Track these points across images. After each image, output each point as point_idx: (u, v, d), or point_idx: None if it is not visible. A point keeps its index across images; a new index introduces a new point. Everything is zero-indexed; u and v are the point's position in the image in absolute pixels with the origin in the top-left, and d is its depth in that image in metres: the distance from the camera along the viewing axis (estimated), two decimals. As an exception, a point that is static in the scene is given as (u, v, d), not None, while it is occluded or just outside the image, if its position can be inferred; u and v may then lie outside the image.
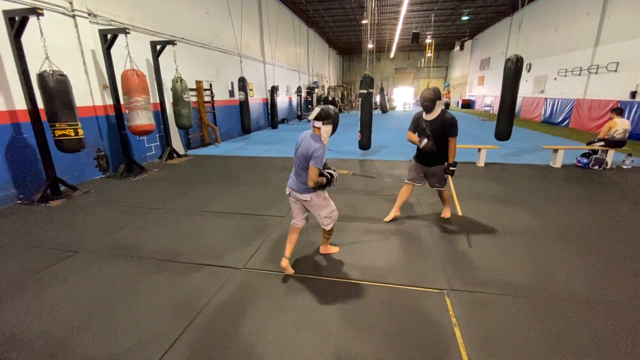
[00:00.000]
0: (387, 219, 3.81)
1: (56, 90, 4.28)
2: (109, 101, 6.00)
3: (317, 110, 2.48)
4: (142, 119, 5.68)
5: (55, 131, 4.39)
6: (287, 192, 2.74)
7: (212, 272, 2.80)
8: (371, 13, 16.57)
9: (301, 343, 2.00)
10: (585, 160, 6.28)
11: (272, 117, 13.67)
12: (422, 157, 3.54)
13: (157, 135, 7.48)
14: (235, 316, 2.24)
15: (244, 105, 10.25)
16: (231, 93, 11.12)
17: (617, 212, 4.05)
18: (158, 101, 7.11)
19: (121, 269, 2.88)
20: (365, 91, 7.02)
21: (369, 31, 15.49)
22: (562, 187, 5.09)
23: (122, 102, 5.84)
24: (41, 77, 4.22)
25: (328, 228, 2.83)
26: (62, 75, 4.35)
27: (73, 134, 4.48)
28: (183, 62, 7.74)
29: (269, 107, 14.25)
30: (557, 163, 6.34)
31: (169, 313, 2.28)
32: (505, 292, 2.48)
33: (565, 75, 13.17)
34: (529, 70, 16.68)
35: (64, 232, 3.67)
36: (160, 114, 7.20)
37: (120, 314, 2.29)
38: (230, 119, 10.97)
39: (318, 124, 2.50)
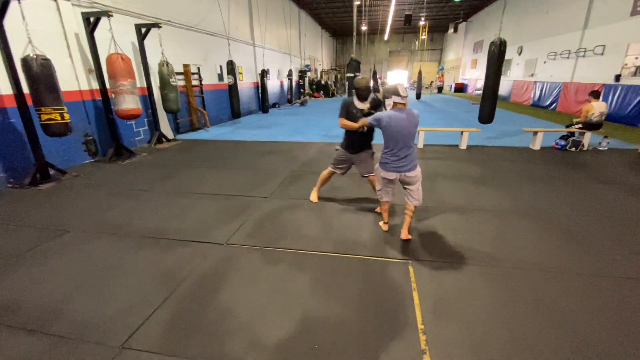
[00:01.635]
0: (313, 199, 4.00)
1: (40, 74, 4.32)
2: (95, 85, 6.01)
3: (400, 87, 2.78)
4: (129, 103, 5.73)
5: (42, 115, 4.46)
6: (393, 178, 2.89)
7: (196, 247, 2.99)
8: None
9: (272, 307, 2.21)
10: (562, 143, 6.50)
11: (262, 102, 13.64)
12: (352, 145, 3.56)
13: (146, 119, 7.51)
14: (214, 285, 2.44)
15: (233, 89, 10.24)
16: (220, 77, 11.06)
17: (582, 191, 4.29)
18: (145, 85, 7.11)
19: (110, 245, 3.05)
20: (352, 75, 7.09)
21: (355, 12, 15.26)
22: (537, 169, 5.31)
23: (107, 86, 5.86)
24: (25, 61, 4.25)
25: (421, 201, 3.02)
26: (46, 59, 4.38)
27: (59, 118, 4.55)
28: (170, 46, 7.69)
29: (259, 91, 14.19)
30: (537, 145, 6.55)
31: (153, 283, 2.47)
32: (466, 262, 2.70)
33: (554, 59, 13.26)
34: (520, 54, 16.71)
35: (54, 213, 3.81)
36: (147, 98, 7.21)
37: (107, 284, 2.47)
38: (219, 103, 10.95)
39: (402, 99, 2.80)
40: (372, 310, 2.17)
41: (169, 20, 8.10)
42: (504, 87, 18.02)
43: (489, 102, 7.24)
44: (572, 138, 6.46)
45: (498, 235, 3.14)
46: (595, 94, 6.26)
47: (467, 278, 2.50)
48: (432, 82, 31.99)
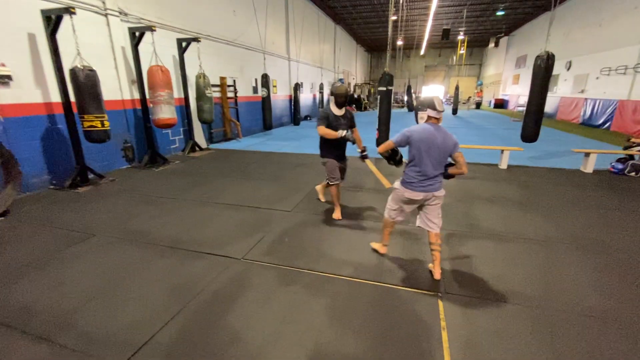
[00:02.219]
0: (337, 217, 3.87)
1: (85, 84, 4.59)
2: (136, 95, 6.34)
3: (437, 100, 2.53)
4: (165, 112, 5.95)
5: (84, 122, 4.72)
6: (421, 198, 2.59)
7: (213, 260, 2.91)
8: (401, 8, 16.22)
9: (284, 334, 2.04)
10: (620, 166, 5.82)
11: (294, 114, 13.80)
12: (339, 155, 3.72)
13: (181, 129, 7.80)
14: (226, 303, 2.32)
15: (266, 101, 10.44)
16: (254, 89, 11.34)
17: (647, 223, 3.74)
18: (182, 96, 7.41)
19: (130, 253, 3.06)
20: (384, 88, 6.92)
21: (390, 27, 15.15)
22: (589, 195, 4.76)
23: (147, 96, 6.15)
24: (73, 72, 4.54)
25: (439, 229, 2.68)
26: (92, 70, 4.66)
27: (100, 125, 4.79)
28: (208, 59, 8.00)
29: (292, 103, 14.39)
30: (589, 168, 5.92)
31: (166, 296, 2.40)
32: (504, 300, 2.38)
33: (608, 74, 12.21)
34: (568, 69, 15.63)
35: (86, 216, 3.95)
36: (184, 108, 7.50)
37: (120, 295, 2.44)
38: (252, 114, 11.20)
39: (437, 114, 2.54)
40: (394, 349, 1.92)
41: (209, 35, 8.46)
42: (550, 104, 16.85)
43: (534, 120, 6.73)
44: (631, 161, 5.77)
45: (543, 270, 2.76)
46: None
47: (504, 319, 2.18)
48: (470, 97, 30.90)
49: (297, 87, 13.50)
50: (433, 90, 34.99)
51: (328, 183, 3.81)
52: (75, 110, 4.85)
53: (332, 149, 3.67)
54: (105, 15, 5.73)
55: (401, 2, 15.14)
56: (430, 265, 2.76)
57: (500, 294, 2.44)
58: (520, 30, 22.75)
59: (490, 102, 27.04)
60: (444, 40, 25.46)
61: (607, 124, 12.02)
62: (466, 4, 17.61)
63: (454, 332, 2.06)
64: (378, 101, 7.05)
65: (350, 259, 2.93)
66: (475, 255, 3.00)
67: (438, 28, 22.58)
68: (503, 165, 6.29)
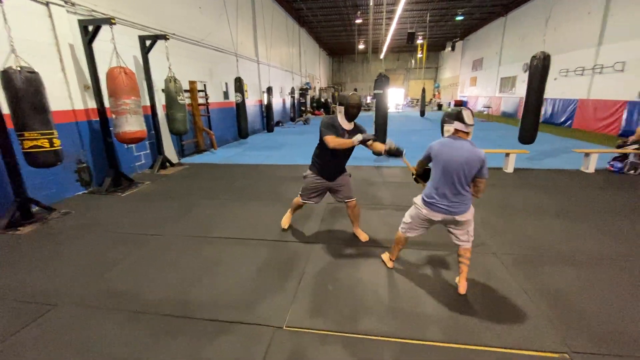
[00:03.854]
0: (284, 225, 3.61)
1: (25, 90, 3.44)
2: (92, 104, 5.14)
3: (466, 112, 2.23)
4: (132, 124, 4.86)
5: (25, 142, 3.55)
6: (439, 220, 2.35)
7: (245, 334, 2.08)
8: (371, 12, 16.06)
9: None
10: (619, 165, 5.85)
11: (267, 120, 12.90)
12: (328, 171, 3.09)
13: (148, 142, 6.62)
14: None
15: (240, 107, 9.47)
16: (226, 94, 10.30)
17: (694, 228, 3.55)
18: (148, 104, 6.26)
19: (114, 332, 2.11)
20: (380, 91, 6.41)
21: (369, 30, 14.94)
22: (614, 197, 4.58)
23: (107, 105, 5.00)
24: (6, 74, 3.38)
25: (470, 244, 2.45)
26: (33, 72, 3.52)
27: (47, 145, 3.65)
28: (174, 61, 6.90)
29: (264, 109, 13.48)
30: (590, 168, 5.88)
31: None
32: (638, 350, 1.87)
33: (566, 75, 12.98)
34: (525, 71, 16.51)
35: (36, 273, 2.85)
36: (151, 118, 6.34)
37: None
38: (225, 122, 10.14)
39: (467, 127, 2.24)
40: None
41: (174, 34, 7.36)
42: (509, 104, 17.80)
43: (531, 121, 6.65)
44: (628, 160, 5.83)
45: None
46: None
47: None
48: (431, 99, 32.08)
49: (269, 91, 12.63)
50: (394, 93, 35.78)
51: (299, 195, 3.34)
52: (10, 126, 3.65)
53: (328, 166, 3.06)
54: (47, 4, 4.52)
55: (371, 4, 14.96)
56: (457, 279, 2.53)
57: (629, 344, 1.93)
58: (475, 34, 23.93)
59: (450, 103, 28.16)
60: (405, 44, 26.07)
61: (569, 122, 12.73)
62: (428, 8, 18.01)
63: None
64: (374, 105, 6.52)
65: (426, 311, 2.27)
66: (563, 289, 2.49)
67: (399, 32, 22.99)
68: (509, 169, 6.07)
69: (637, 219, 3.79)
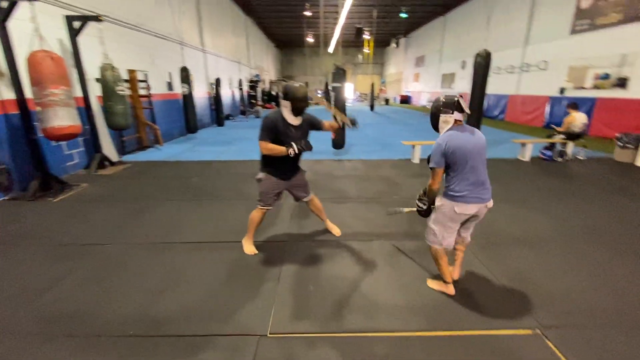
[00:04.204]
0: (249, 251, 2.98)
1: None
2: (9, 95, 4.34)
3: (461, 100, 2.11)
4: (63, 118, 4.21)
5: None
6: (475, 212, 2.16)
7: (226, 346, 1.90)
8: (322, 5, 15.98)
9: None
10: (549, 153, 6.60)
11: (217, 113, 12.23)
12: (284, 170, 2.83)
13: (82, 139, 5.82)
14: None
15: (188, 99, 8.82)
16: (170, 85, 9.49)
17: (613, 204, 4.12)
18: (81, 95, 5.48)
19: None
20: (339, 84, 6.39)
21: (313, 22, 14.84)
22: (549, 183, 5.13)
23: (29, 96, 4.25)
24: None
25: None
26: None
27: (-48, 144, 2.97)
28: (109, 47, 6.12)
29: (212, 101, 12.75)
30: (527, 157, 6.56)
31: None
32: (602, 319, 2.09)
33: (499, 73, 14.30)
34: (463, 68, 17.88)
35: (-52, 302, 2.31)
36: (84, 111, 5.57)
37: None
38: (170, 116, 9.36)
39: (462, 116, 2.14)
40: None
41: (107, 16, 6.52)
42: (450, 99, 19.12)
43: (475, 115, 7.17)
44: (556, 149, 6.60)
45: (594, 274, 2.63)
46: (573, 106, 6.48)
47: (623, 341, 1.87)
48: (378, 94, 33.16)
49: (218, 82, 11.96)
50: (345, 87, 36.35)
51: (257, 205, 2.88)
52: None
53: (280, 163, 2.74)
54: (-62, -31, 3.67)
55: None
56: (450, 268, 2.46)
57: (591, 312, 2.15)
58: (417, 32, 25.23)
59: (395, 98, 29.48)
60: (353, 40, 26.54)
61: (502, 115, 14.12)
62: (375, 5, 18.48)
63: (599, 387, 1.64)
64: (332, 99, 6.49)
65: (406, 302, 2.29)
66: (526, 269, 2.70)
67: (347, 27, 23.30)
68: (459, 159, 6.49)
69: (569, 201, 4.29)
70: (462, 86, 18.02)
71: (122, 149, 7.01)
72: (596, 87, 9.42)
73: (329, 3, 18.20)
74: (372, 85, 20.30)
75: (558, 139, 6.62)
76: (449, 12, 19.25)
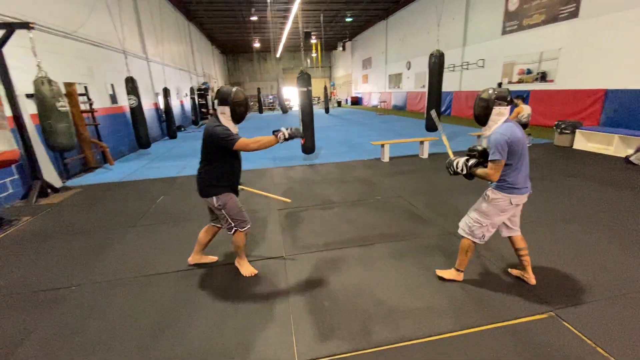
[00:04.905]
0: (192, 261, 2.89)
1: None
2: None
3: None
4: (-5, 143, 3.55)
5: None
6: (526, 200, 2.24)
7: (254, 387, 1.69)
8: (269, 10, 15.76)
9: None
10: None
11: (169, 125, 11.42)
12: (237, 181, 2.59)
13: (14, 165, 4.99)
14: None
15: (137, 112, 8.08)
16: (113, 98, 8.63)
17: (571, 188, 4.56)
18: (11, 114, 4.70)
19: None
20: (304, 89, 6.30)
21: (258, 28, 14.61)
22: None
23: (-55, 118, 3.53)
24: None
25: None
26: None
27: None
28: (41, 58, 5.36)
29: (161, 113, 11.89)
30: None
31: None
32: (603, 294, 2.25)
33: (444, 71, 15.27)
34: (409, 68, 18.88)
35: None
36: (17, 133, 4.79)
37: None
38: (116, 131, 8.50)
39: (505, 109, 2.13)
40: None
41: (35, 23, 5.70)
42: (399, 99, 20.09)
43: (435, 111, 7.54)
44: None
45: (583, 252, 2.85)
46: (521, 98, 7.11)
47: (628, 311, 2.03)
48: (331, 97, 33.71)
49: (166, 92, 11.18)
50: (291, 92, 36.35)
51: (237, 229, 2.53)
52: None
53: (230, 176, 2.46)
54: None
55: (268, 1, 14.65)
56: (517, 272, 2.51)
57: (593, 288, 2.31)
58: (362, 35, 26.11)
59: (347, 99, 30.20)
60: (306, 43, 26.65)
61: (448, 111, 15.12)
62: (321, 9, 18.75)
63: (604, 343, 1.74)
64: (300, 104, 6.38)
65: (427, 304, 2.27)
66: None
67: (294, 31, 23.36)
68: (424, 155, 6.77)
69: (536, 186, 4.65)
70: (409, 86, 19.04)
71: (65, 173, 6.17)
72: (521, 81, 10.59)
73: (276, 8, 18.08)
74: (325, 88, 20.52)
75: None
76: (390, 16, 20.21)
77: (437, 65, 7.14)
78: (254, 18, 19.09)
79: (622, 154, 5.98)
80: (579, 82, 8.61)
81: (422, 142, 6.83)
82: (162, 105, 12.00)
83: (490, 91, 2.14)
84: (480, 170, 2.18)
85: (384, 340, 1.95)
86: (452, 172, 2.35)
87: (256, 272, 2.73)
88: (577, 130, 6.91)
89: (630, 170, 5.28)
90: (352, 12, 19.82)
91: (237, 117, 2.34)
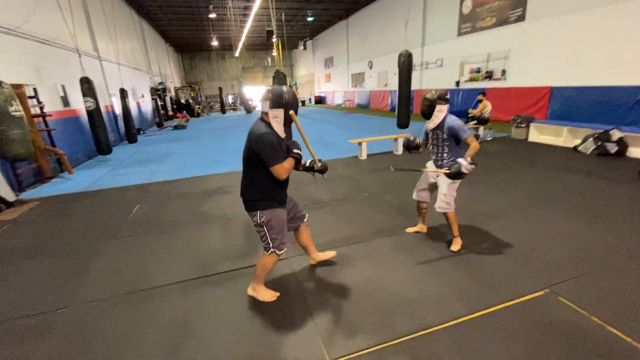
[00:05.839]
0: (269, 298, 2.40)
1: None
2: None
3: None
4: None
5: None
6: None
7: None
8: (230, 9, 15.28)
9: None
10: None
11: (128, 129, 10.66)
12: (285, 194, 2.34)
13: (-42, 178, 4.39)
14: None
15: (95, 115, 7.44)
16: (65, 101, 7.88)
17: (534, 176, 5.02)
18: (-48, 120, 4.12)
19: None
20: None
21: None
22: (480, 162, 5.94)
23: None
24: None
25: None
26: None
27: None
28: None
29: (118, 115, 11.09)
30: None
31: None
32: (586, 267, 2.53)
33: (403, 71, 15.91)
34: (371, 67, 19.39)
35: None
36: (-40, 142, 4.21)
37: None
38: (72, 137, 7.78)
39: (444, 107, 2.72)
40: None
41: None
42: (363, 97, 20.57)
43: (405, 110, 7.86)
44: (474, 132, 7.70)
45: (557, 231, 3.17)
46: (484, 94, 7.64)
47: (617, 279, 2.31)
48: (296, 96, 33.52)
49: (123, 93, 10.43)
50: (255, 91, 35.68)
51: (274, 251, 2.24)
52: None
53: (284, 189, 2.25)
54: None
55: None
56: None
57: (581, 259, 2.58)
58: (323, 34, 26.31)
59: (310, 99, 30.28)
60: (260, 43, 26.21)
61: (411, 108, 15.76)
62: (282, 7, 18.59)
63: (599, 313, 1.98)
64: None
65: (438, 291, 2.39)
66: (513, 238, 3.09)
67: (254, 30, 22.91)
68: (399, 152, 7.04)
69: (503, 175, 5.07)
70: (372, 85, 19.58)
71: (18, 185, 5.53)
72: (472, 79, 11.48)
73: (236, 5, 17.60)
74: (290, 86, 20.36)
75: (471, 124, 7.73)
76: (351, 16, 20.60)
77: (406, 65, 7.42)
78: (212, 15, 18.42)
79: (570, 144, 6.69)
80: (528, 80, 9.47)
81: (395, 139, 7.09)
82: (117, 108, 11.18)
83: (433, 92, 2.73)
84: (471, 152, 2.62)
85: (407, 330, 2.03)
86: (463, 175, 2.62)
87: (277, 294, 2.43)
88: (531, 124, 7.61)
89: (579, 158, 5.94)
90: (313, 11, 19.91)
91: (287, 121, 2.11)
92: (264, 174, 2.09)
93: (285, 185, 2.25)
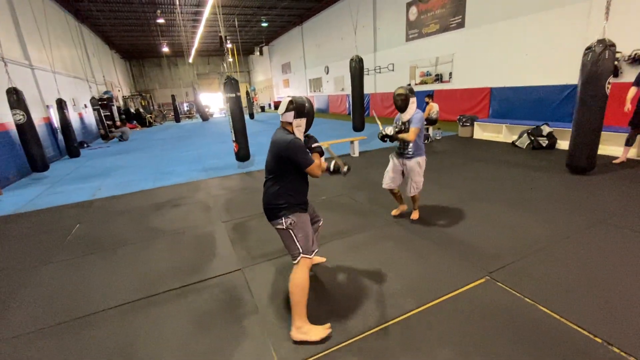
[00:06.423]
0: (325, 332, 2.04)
1: None
2: None
3: None
4: None
5: None
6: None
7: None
8: (179, 13, 14.71)
9: None
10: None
11: (68, 142, 9.82)
12: (305, 197, 2.31)
13: None
14: None
15: (27, 129, 6.77)
16: (-12, 114, 7.08)
17: (484, 172, 5.38)
18: None
19: None
20: (233, 95, 6.11)
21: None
22: (430, 160, 6.25)
23: None
24: None
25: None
26: None
27: None
28: None
29: (57, 128, 10.18)
30: (404, 143, 7.80)
31: None
32: (523, 254, 2.74)
33: (358, 75, 16.36)
34: (327, 73, 19.71)
35: None
36: None
37: None
38: (-2, 154, 7.00)
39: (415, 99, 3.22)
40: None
41: None
42: (321, 102, 20.81)
43: (359, 113, 8.08)
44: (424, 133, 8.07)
45: (498, 222, 3.40)
46: (431, 97, 8.06)
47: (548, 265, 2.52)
48: (255, 101, 33.11)
49: (61, 104, 9.61)
50: (209, 98, 34.68)
51: (304, 256, 2.07)
52: None
53: (303, 191, 2.24)
54: None
55: (178, 3, 13.63)
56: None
57: (518, 249, 2.79)
58: (278, 40, 26.30)
59: (270, 104, 30.07)
60: (215, 48, 25.59)
61: (367, 112, 16.24)
62: (235, 13, 18.31)
63: (540, 297, 2.16)
64: (228, 109, 6.16)
65: (405, 285, 2.45)
66: (448, 230, 3.26)
67: (207, 35, 22.32)
68: (356, 153, 7.20)
69: (451, 172, 5.37)
70: (329, 89, 19.89)
71: None
72: (423, 82, 12.12)
73: (185, 11, 17.04)
74: (248, 92, 20.11)
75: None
76: (305, 22, 20.81)
77: (357, 69, 7.63)
78: (161, 21, 17.67)
79: (509, 139, 7.27)
80: (471, 82, 10.18)
81: (352, 142, 7.24)
82: (56, 120, 10.27)
83: (405, 86, 3.17)
84: (401, 135, 3.18)
85: (359, 330, 2.05)
86: (381, 136, 3.25)
87: (329, 329, 2.07)
88: (475, 123, 8.16)
89: (517, 152, 6.47)
90: (267, 17, 19.84)
91: (308, 129, 2.20)
92: (291, 180, 2.13)
93: (307, 189, 2.28)
